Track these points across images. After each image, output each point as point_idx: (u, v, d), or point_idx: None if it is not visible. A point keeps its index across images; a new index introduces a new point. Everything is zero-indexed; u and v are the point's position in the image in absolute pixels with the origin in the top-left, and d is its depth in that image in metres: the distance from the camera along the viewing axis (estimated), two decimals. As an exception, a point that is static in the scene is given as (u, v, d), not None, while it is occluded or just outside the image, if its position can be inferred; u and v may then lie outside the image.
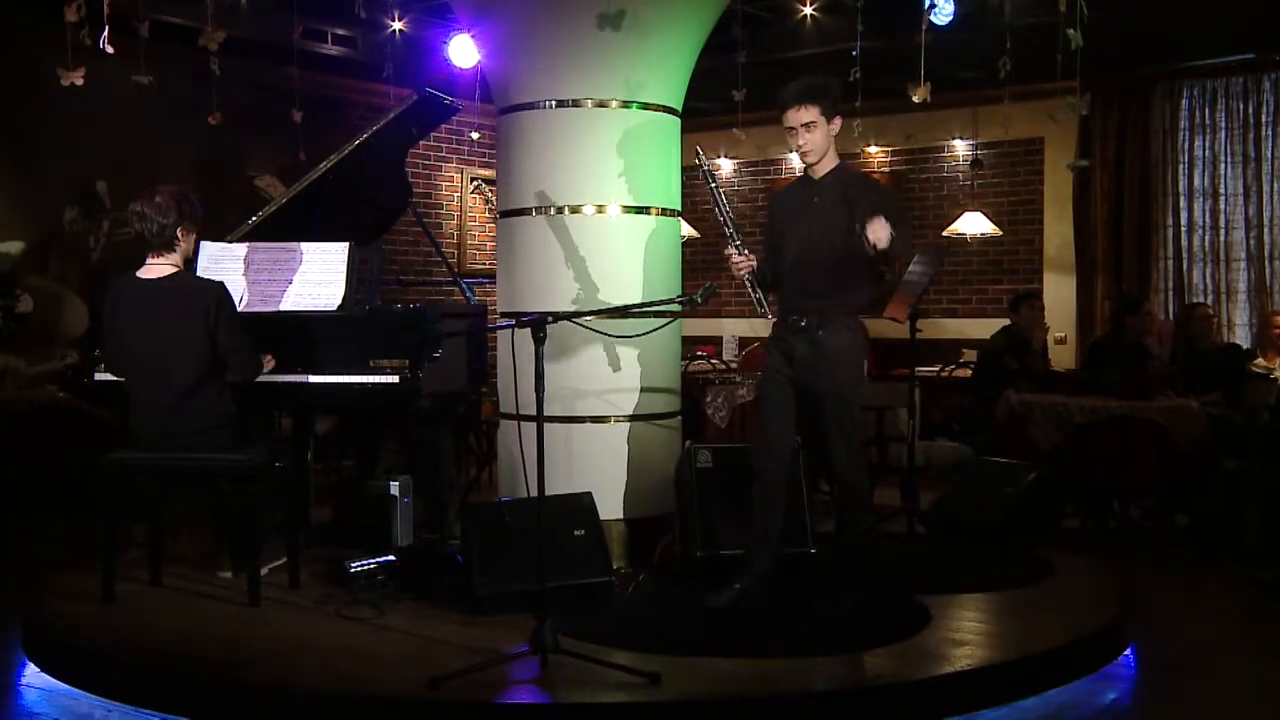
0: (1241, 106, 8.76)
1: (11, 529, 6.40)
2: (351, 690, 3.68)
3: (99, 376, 5.01)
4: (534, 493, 3.93)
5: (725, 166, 11.05)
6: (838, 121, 4.47)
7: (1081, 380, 7.12)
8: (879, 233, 4.09)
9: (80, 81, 5.41)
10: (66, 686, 4.07)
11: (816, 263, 4.42)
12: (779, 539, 4.66)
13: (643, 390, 5.31)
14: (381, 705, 3.63)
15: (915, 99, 5.32)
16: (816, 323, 4.41)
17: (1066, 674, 4.10)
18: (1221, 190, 8.85)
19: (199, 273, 4.99)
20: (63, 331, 7.57)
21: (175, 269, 4.58)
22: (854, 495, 4.53)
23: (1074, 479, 6.35)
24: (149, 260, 4.58)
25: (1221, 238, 8.86)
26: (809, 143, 4.43)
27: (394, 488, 5.12)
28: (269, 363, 4.81)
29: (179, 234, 4.58)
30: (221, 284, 4.59)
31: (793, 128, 4.44)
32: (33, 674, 4.24)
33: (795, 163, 10.63)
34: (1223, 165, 8.85)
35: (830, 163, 4.51)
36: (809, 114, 4.41)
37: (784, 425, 4.58)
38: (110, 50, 5.28)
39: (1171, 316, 8.72)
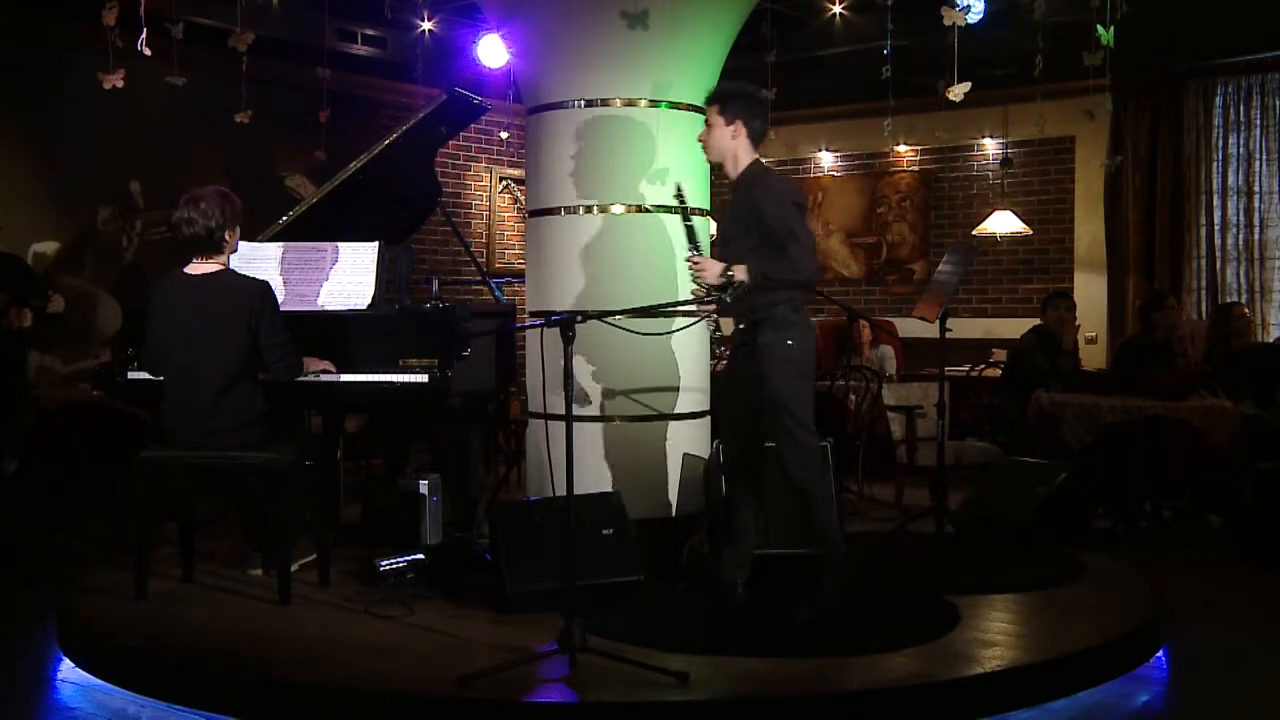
0: (1277, 103, 8.67)
1: (45, 526, 6.47)
2: (381, 688, 3.70)
3: (132, 375, 5.05)
4: (562, 492, 3.94)
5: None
6: (739, 127, 4.49)
7: (1113, 380, 7.06)
8: (703, 274, 4.38)
9: (120, 84, 5.46)
10: (101, 682, 4.11)
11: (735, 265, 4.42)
12: (749, 541, 4.66)
13: (671, 389, 5.31)
14: (411, 703, 3.65)
15: (952, 97, 5.29)
16: (750, 323, 4.44)
17: (1098, 675, 4.08)
18: (1256, 188, 8.76)
19: (232, 272, 5.03)
20: (96, 330, 7.65)
21: (221, 267, 4.64)
22: (808, 497, 4.40)
23: (1105, 479, 6.31)
24: (195, 260, 4.64)
25: (1256, 236, 8.77)
26: (703, 142, 4.59)
27: (423, 486, 5.14)
28: (311, 364, 4.84)
29: (227, 236, 4.64)
30: (266, 283, 4.63)
31: None
32: (68, 669, 4.29)
33: (825, 162, 10.63)
34: (1257, 163, 8.76)
35: (741, 164, 4.54)
36: (709, 113, 4.56)
37: (736, 429, 4.62)
38: (148, 53, 5.33)
39: (1205, 316, 8.64)
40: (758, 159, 4.57)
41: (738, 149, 4.52)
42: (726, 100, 4.52)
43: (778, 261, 4.31)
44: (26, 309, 5.93)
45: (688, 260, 4.50)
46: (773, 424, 4.41)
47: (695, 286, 4.52)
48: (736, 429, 4.64)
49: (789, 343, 4.39)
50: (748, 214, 4.44)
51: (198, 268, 4.61)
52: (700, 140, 4.62)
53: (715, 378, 7.33)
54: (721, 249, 4.57)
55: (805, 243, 4.34)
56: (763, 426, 4.47)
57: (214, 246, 4.59)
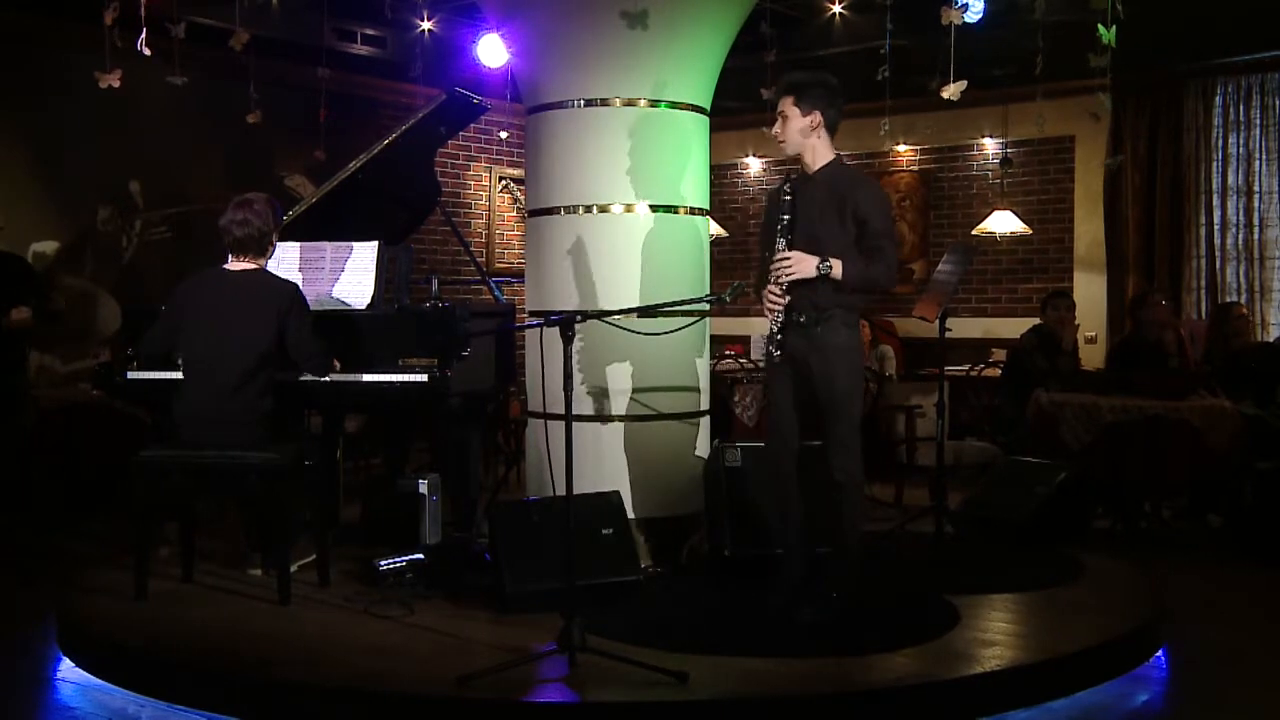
0: (1276, 103, 8.66)
1: (45, 526, 6.47)
2: (381, 688, 3.70)
3: (131, 375, 5.06)
4: (562, 491, 3.94)
5: (754, 165, 11.04)
6: (816, 117, 4.43)
7: (1112, 380, 7.07)
8: (795, 269, 4.27)
9: (117, 84, 5.47)
10: (101, 682, 4.12)
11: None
12: (804, 538, 4.63)
13: (671, 389, 5.31)
14: (411, 703, 3.65)
15: (947, 96, 5.29)
16: (814, 318, 4.37)
17: (1097, 675, 4.08)
18: (1255, 188, 8.76)
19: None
20: (96, 330, 7.65)
21: (257, 267, 4.75)
22: (845, 497, 4.41)
23: (1105, 479, 6.31)
24: (235, 260, 4.73)
25: (1255, 235, 8.77)
26: (779, 133, 4.51)
27: (423, 486, 5.14)
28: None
29: (273, 239, 4.79)
30: (296, 284, 4.74)
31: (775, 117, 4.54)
32: (68, 669, 4.29)
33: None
34: (1257, 162, 8.76)
35: (823, 158, 4.47)
36: (783, 105, 4.48)
37: (789, 424, 4.53)
38: (148, 52, 5.34)
39: (1204, 316, 8.64)
40: (838, 154, 4.52)
41: (816, 140, 4.46)
42: (802, 90, 4.44)
43: (872, 264, 4.31)
44: (24, 306, 5.93)
45: (777, 257, 4.34)
46: (827, 423, 4.39)
47: (772, 286, 4.35)
48: (784, 427, 4.53)
49: (854, 343, 4.43)
50: (839, 210, 4.36)
51: (237, 264, 4.72)
52: (775, 134, 4.51)
53: (720, 378, 7.35)
54: (804, 246, 4.36)
55: (895, 250, 4.45)
56: (807, 423, 4.44)
57: (260, 249, 4.74)
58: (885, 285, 4.46)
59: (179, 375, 4.74)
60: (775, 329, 4.39)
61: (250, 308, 4.61)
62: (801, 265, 4.30)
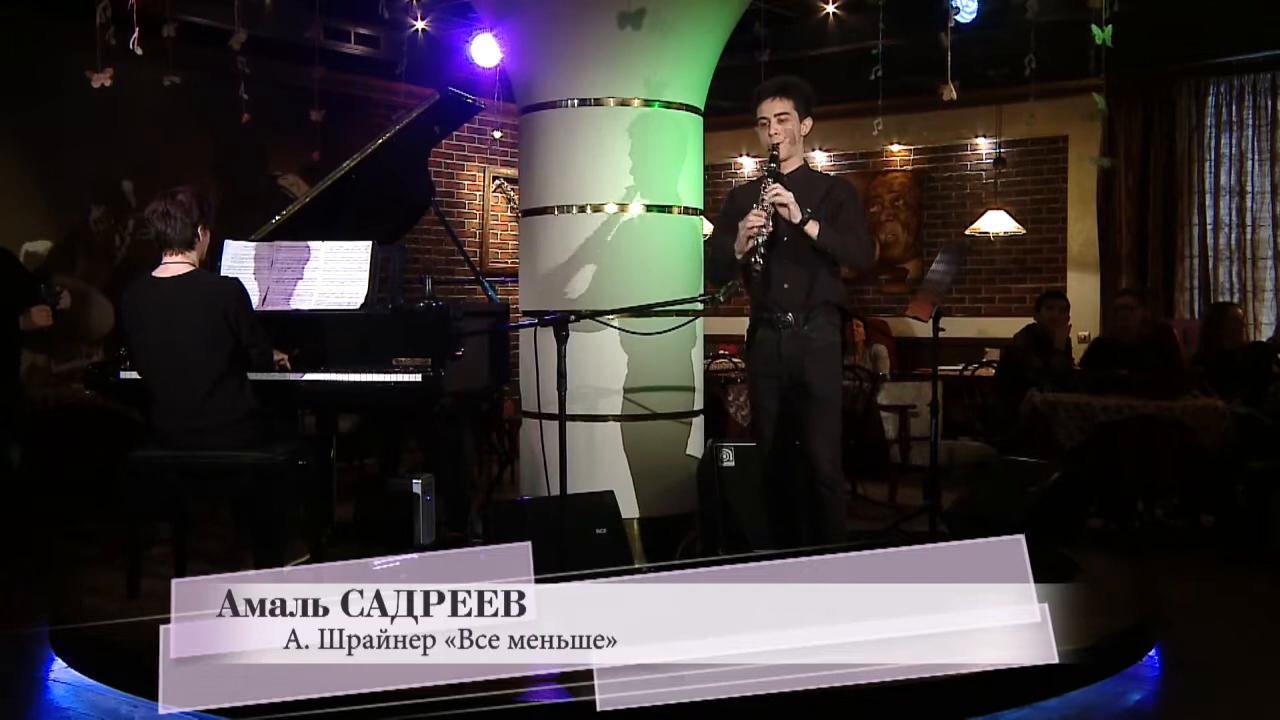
0: (1269, 103, 8.70)
1: (38, 525, 6.45)
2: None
3: (124, 375, 5.04)
4: (556, 491, 3.94)
5: (748, 165, 11.05)
6: (808, 122, 4.53)
7: (1106, 379, 7.08)
8: (784, 197, 4.29)
9: (109, 83, 5.46)
10: (93, 682, 4.11)
11: (792, 259, 4.41)
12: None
13: (665, 389, 5.31)
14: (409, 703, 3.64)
15: (944, 97, 5.31)
16: (803, 318, 4.42)
17: (1090, 674, 4.08)
18: (1248, 188, 8.79)
19: (223, 272, 5.02)
20: (89, 330, 7.63)
21: (192, 267, 4.60)
22: (833, 495, 4.45)
23: (1098, 479, 6.32)
24: (165, 259, 4.59)
25: (1248, 235, 8.80)
26: (781, 132, 4.46)
27: (416, 486, 5.13)
28: (281, 358, 4.83)
29: (199, 232, 4.59)
30: (238, 280, 4.61)
31: (765, 119, 4.49)
32: (60, 669, 4.28)
33: (819, 161, 10.62)
34: (1249, 162, 8.79)
35: (796, 161, 4.56)
36: (783, 105, 4.47)
37: (771, 427, 4.56)
38: (140, 51, 5.33)
39: (1197, 315, 8.66)
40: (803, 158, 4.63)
41: (800, 145, 4.56)
42: (799, 93, 4.49)
43: (845, 236, 4.40)
44: (46, 307, 5.90)
45: (768, 188, 4.35)
46: (816, 420, 4.41)
47: (758, 210, 4.35)
48: (767, 430, 4.56)
49: (839, 341, 4.50)
50: (821, 208, 4.43)
51: (167, 270, 4.55)
52: (773, 134, 4.45)
53: (714, 378, 7.36)
54: (791, 245, 4.42)
55: (869, 237, 4.54)
56: (789, 424, 4.46)
57: (185, 242, 4.54)
58: (860, 261, 4.56)
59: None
60: (758, 247, 4.37)
61: (199, 314, 4.46)
62: (791, 202, 4.33)
